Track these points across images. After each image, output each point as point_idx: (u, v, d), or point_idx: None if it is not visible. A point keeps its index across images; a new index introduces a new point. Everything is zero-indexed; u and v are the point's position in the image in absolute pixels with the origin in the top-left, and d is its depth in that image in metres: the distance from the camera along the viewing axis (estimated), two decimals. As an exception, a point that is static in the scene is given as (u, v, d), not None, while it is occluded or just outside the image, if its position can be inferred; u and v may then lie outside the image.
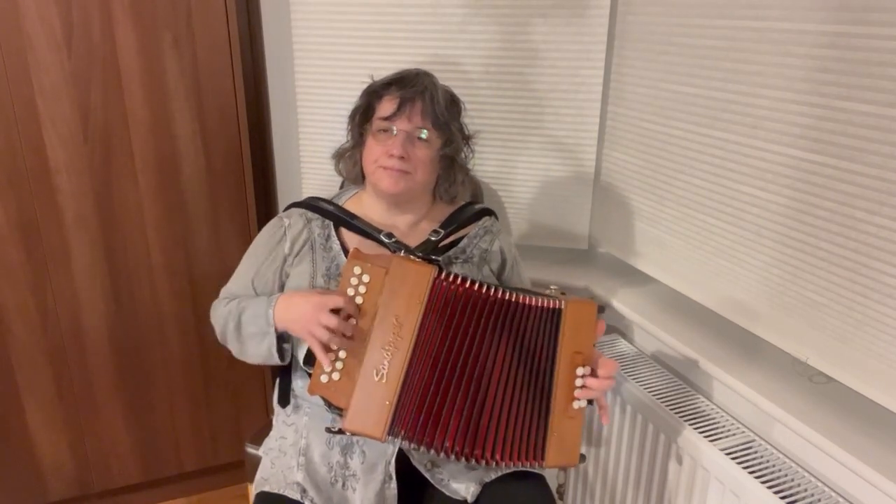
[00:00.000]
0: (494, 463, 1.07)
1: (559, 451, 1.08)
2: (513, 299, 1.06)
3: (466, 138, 1.27)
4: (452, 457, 1.06)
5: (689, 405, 1.29)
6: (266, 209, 1.88)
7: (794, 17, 1.06)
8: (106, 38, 1.53)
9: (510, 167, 1.64)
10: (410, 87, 1.16)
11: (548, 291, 1.13)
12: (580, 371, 1.08)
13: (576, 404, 1.09)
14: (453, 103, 1.23)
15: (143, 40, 1.56)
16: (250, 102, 1.75)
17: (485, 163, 1.65)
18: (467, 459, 1.06)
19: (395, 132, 1.15)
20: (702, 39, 1.24)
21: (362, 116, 1.22)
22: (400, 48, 1.57)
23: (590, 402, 1.11)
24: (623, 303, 1.49)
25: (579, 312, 1.09)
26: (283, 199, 1.92)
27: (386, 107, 1.17)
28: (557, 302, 1.09)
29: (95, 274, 1.69)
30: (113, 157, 1.62)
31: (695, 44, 1.26)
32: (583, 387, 1.08)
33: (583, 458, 1.11)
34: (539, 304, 1.08)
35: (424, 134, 1.16)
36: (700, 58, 1.25)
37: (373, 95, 1.20)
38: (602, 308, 1.11)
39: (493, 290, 1.06)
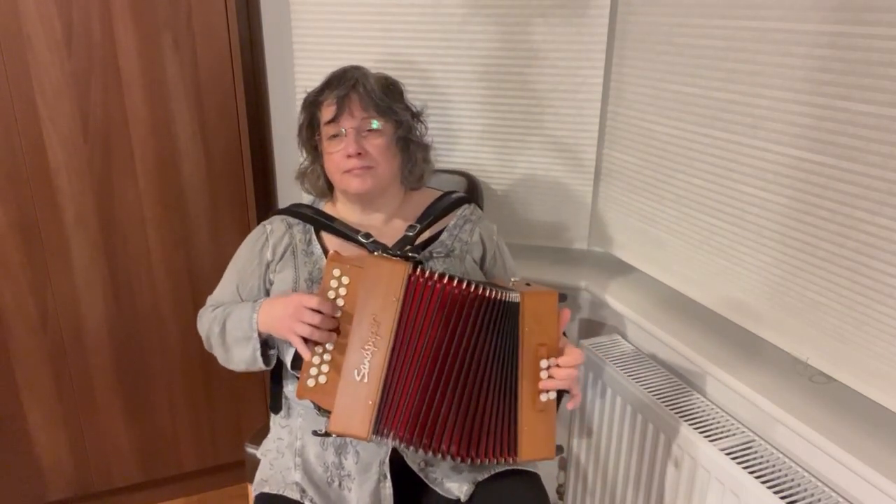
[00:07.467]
0: (470, 460, 1.05)
1: (532, 444, 1.07)
2: (479, 293, 1.04)
3: (415, 115, 1.26)
4: (448, 457, 1.05)
5: (688, 405, 1.29)
6: (266, 209, 1.88)
7: (794, 17, 1.06)
8: (106, 38, 1.53)
9: (510, 167, 1.64)
10: (342, 84, 1.16)
11: (510, 284, 1.11)
12: (544, 363, 1.06)
13: (543, 397, 1.07)
14: (389, 86, 1.21)
15: (143, 40, 1.56)
16: (250, 102, 1.75)
17: (485, 163, 1.65)
18: (463, 460, 1.05)
19: (344, 132, 1.15)
20: (702, 39, 1.24)
21: (309, 130, 1.23)
22: (400, 48, 1.57)
23: (562, 392, 1.10)
24: (623, 302, 1.49)
25: (538, 304, 1.06)
26: (283, 198, 1.92)
27: (326, 112, 1.17)
28: (514, 294, 1.06)
29: (95, 274, 1.69)
30: (113, 157, 1.62)
31: (695, 44, 1.26)
32: (548, 378, 1.06)
33: (560, 449, 1.09)
34: (496, 297, 1.05)
35: (373, 124, 1.16)
36: (700, 58, 1.25)
37: (312, 106, 1.21)
38: (564, 296, 1.08)
39: (467, 285, 1.03)
